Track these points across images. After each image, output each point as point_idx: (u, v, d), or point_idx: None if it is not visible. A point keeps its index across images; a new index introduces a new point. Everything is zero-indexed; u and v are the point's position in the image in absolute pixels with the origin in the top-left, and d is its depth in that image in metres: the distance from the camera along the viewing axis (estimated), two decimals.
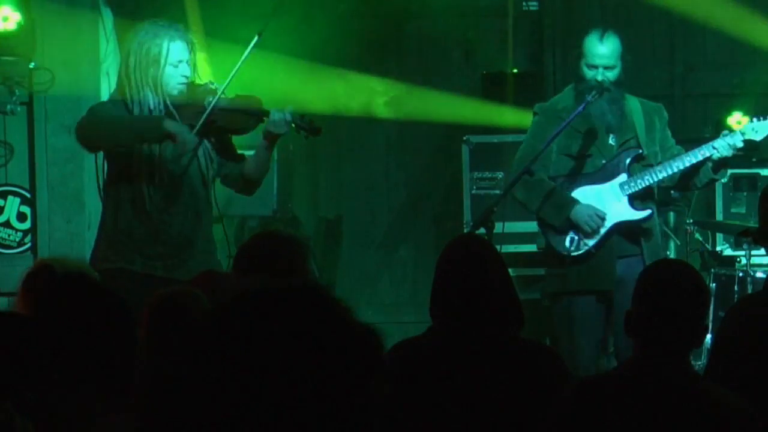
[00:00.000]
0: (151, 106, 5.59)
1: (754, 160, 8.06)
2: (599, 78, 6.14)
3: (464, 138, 8.10)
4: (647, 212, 6.18)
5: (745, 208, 7.91)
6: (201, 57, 7.27)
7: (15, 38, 7.03)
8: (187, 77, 5.63)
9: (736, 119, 8.20)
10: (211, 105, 5.56)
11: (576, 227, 6.15)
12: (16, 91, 7.15)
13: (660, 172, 6.13)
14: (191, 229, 5.67)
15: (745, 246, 7.43)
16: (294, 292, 1.74)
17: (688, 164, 6.10)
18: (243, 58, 5.71)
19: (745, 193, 7.93)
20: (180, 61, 5.62)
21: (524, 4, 8.62)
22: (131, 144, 5.55)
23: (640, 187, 6.15)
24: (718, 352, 4.07)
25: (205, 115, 5.55)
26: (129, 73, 5.61)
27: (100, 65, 7.50)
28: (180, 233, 5.64)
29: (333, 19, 8.86)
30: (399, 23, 8.90)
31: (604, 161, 6.20)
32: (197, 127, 5.56)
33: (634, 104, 6.28)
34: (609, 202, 6.17)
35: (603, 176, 6.21)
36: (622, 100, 6.23)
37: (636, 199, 6.18)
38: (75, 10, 7.32)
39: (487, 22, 8.76)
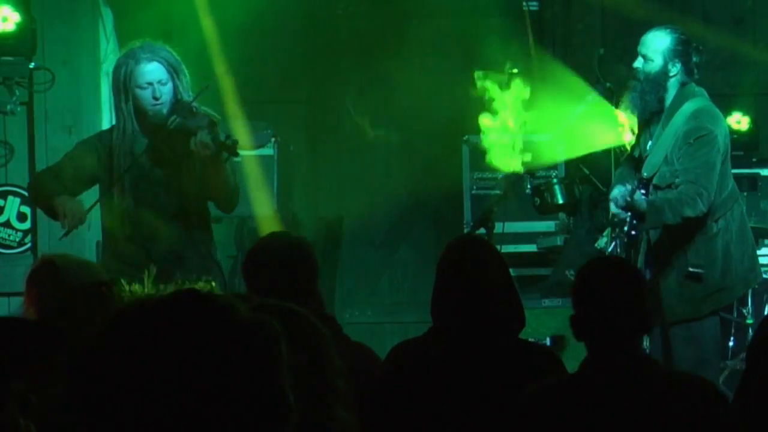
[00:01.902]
0: (128, 130, 5.63)
1: (754, 160, 8.06)
2: (637, 65, 6.11)
3: (464, 138, 8.10)
4: (634, 233, 6.05)
5: (745, 208, 7.91)
6: (212, 52, 7.27)
7: (15, 38, 7.02)
8: (158, 99, 5.60)
9: (736, 119, 8.20)
10: (171, 126, 5.56)
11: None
12: (16, 91, 7.14)
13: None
14: (181, 245, 5.68)
15: None
16: (173, 301, 1.71)
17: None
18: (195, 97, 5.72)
19: (745, 193, 7.92)
20: (149, 83, 5.59)
21: (524, 4, 8.61)
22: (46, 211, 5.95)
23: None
24: (753, 361, 3.65)
25: (161, 138, 5.57)
26: (112, 99, 5.72)
27: (100, 65, 7.49)
28: (168, 250, 5.65)
29: (333, 19, 8.86)
30: (399, 23, 8.90)
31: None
32: (155, 150, 5.59)
33: (679, 118, 6.08)
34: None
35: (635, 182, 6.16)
36: (650, 99, 6.10)
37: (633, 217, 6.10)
38: (75, 10, 7.32)
39: (487, 22, 8.75)
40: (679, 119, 6.06)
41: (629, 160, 6.35)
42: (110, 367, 1.65)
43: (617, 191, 6.06)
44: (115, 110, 5.69)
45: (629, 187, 6.05)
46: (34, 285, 4.12)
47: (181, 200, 5.67)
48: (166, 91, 5.58)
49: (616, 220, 6.12)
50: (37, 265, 4.25)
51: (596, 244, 6.39)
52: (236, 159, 5.81)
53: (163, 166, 5.65)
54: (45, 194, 5.78)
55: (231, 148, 5.49)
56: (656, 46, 6.11)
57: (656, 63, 6.10)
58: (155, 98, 5.57)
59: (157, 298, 1.71)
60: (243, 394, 1.66)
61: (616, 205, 6.05)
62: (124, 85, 5.60)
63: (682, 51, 6.13)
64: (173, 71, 5.62)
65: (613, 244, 6.19)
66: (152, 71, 5.59)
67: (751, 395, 3.42)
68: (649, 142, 6.15)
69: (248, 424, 1.66)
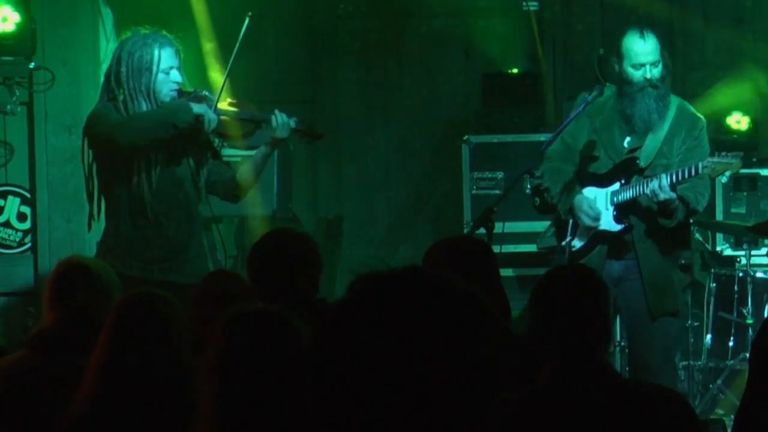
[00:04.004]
0: None
1: (754, 160, 8.06)
2: (648, 76, 6.02)
3: (464, 138, 8.10)
4: (622, 226, 6.07)
5: (745, 208, 7.91)
6: (210, 55, 7.28)
7: (15, 38, 7.02)
8: (178, 84, 5.65)
9: (736, 119, 8.21)
10: (218, 113, 5.60)
11: (575, 218, 6.12)
12: (16, 91, 7.15)
13: (645, 186, 5.96)
14: (186, 233, 5.71)
15: (745, 246, 7.43)
16: (406, 275, 1.78)
17: (663, 184, 5.89)
18: (237, 45, 5.72)
19: (745, 193, 7.93)
20: (171, 68, 5.64)
21: (524, 4, 8.62)
22: (168, 135, 5.55)
23: (625, 198, 6.04)
24: (757, 370, 3.48)
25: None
26: (122, 82, 5.65)
27: (100, 65, 7.49)
28: (176, 237, 5.68)
29: (333, 19, 8.86)
30: (399, 23, 8.90)
31: (612, 164, 6.11)
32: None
33: (670, 110, 6.11)
34: (601, 208, 6.13)
35: (606, 180, 6.13)
36: (668, 99, 6.10)
37: (622, 210, 6.08)
38: (75, 11, 7.32)
39: (487, 22, 8.76)
40: (669, 112, 6.07)
41: (562, 158, 6.22)
42: (352, 341, 1.72)
43: (587, 204, 6.06)
44: (128, 94, 5.64)
45: (596, 198, 6.08)
46: (66, 288, 4.09)
47: (189, 187, 5.71)
48: (180, 77, 5.67)
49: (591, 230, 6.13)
50: (65, 268, 4.21)
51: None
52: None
53: (182, 153, 5.68)
54: (154, 113, 5.61)
55: (313, 132, 5.66)
56: (659, 47, 6.10)
57: (662, 62, 6.11)
58: (176, 83, 5.63)
59: (388, 274, 1.78)
60: (470, 360, 1.74)
61: (590, 218, 6.04)
62: (147, 69, 5.61)
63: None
64: (180, 58, 5.72)
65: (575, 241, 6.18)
66: (173, 56, 5.68)
67: (758, 404, 3.38)
68: (627, 140, 6.08)
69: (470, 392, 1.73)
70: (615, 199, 6.08)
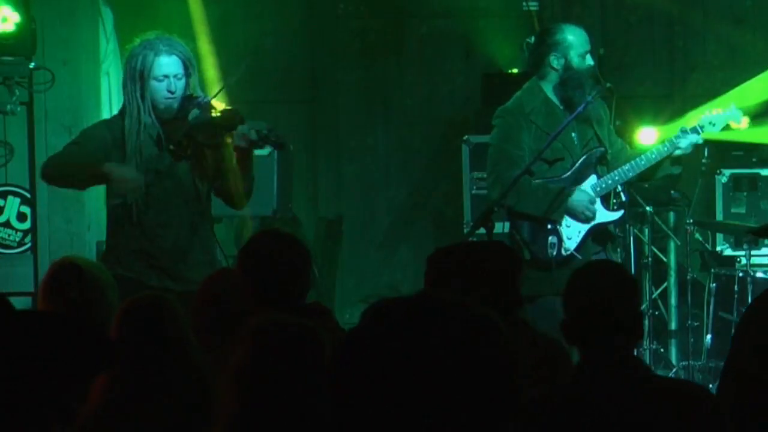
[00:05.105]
0: (141, 119, 5.63)
1: (754, 160, 8.06)
2: (591, 63, 6.08)
3: (464, 138, 8.10)
4: (621, 212, 6.15)
5: (745, 208, 7.91)
6: (207, 57, 7.28)
7: (15, 38, 7.02)
8: (173, 93, 5.60)
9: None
10: (193, 121, 5.55)
11: (573, 216, 6.10)
12: (16, 91, 7.15)
13: (629, 171, 6.05)
14: (187, 242, 5.67)
15: (745, 246, 7.43)
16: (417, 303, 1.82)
17: (653, 162, 6.03)
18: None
19: (745, 193, 7.92)
20: (165, 76, 5.59)
21: (524, 4, 8.62)
22: (85, 180, 5.74)
23: (611, 187, 6.10)
24: (738, 347, 3.66)
25: (184, 131, 5.56)
26: (123, 86, 5.70)
27: (100, 65, 7.50)
28: (174, 247, 5.65)
29: (333, 19, 8.87)
30: (399, 23, 8.91)
31: (572, 161, 6.12)
32: (176, 143, 5.58)
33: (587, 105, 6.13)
34: None
35: (574, 178, 6.12)
36: None
37: (606, 200, 6.13)
38: (75, 10, 7.33)
39: (487, 22, 8.76)
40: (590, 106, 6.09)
41: (514, 168, 6.03)
42: (364, 367, 1.76)
43: (587, 199, 6.07)
44: (127, 99, 5.66)
45: (590, 195, 6.10)
46: (59, 289, 4.10)
47: (191, 195, 5.68)
48: (180, 86, 5.61)
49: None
50: (57, 269, 4.22)
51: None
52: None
53: (175, 159, 5.65)
54: (80, 164, 5.61)
55: (277, 141, 5.57)
56: None
57: None
58: (170, 91, 5.59)
59: (399, 300, 1.83)
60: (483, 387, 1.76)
61: (591, 212, 6.07)
62: (140, 75, 5.60)
63: None
64: (188, 66, 5.65)
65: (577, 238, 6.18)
66: (170, 64, 5.61)
67: (737, 369, 3.40)
68: (574, 135, 6.09)
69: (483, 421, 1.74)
70: (600, 189, 6.11)
